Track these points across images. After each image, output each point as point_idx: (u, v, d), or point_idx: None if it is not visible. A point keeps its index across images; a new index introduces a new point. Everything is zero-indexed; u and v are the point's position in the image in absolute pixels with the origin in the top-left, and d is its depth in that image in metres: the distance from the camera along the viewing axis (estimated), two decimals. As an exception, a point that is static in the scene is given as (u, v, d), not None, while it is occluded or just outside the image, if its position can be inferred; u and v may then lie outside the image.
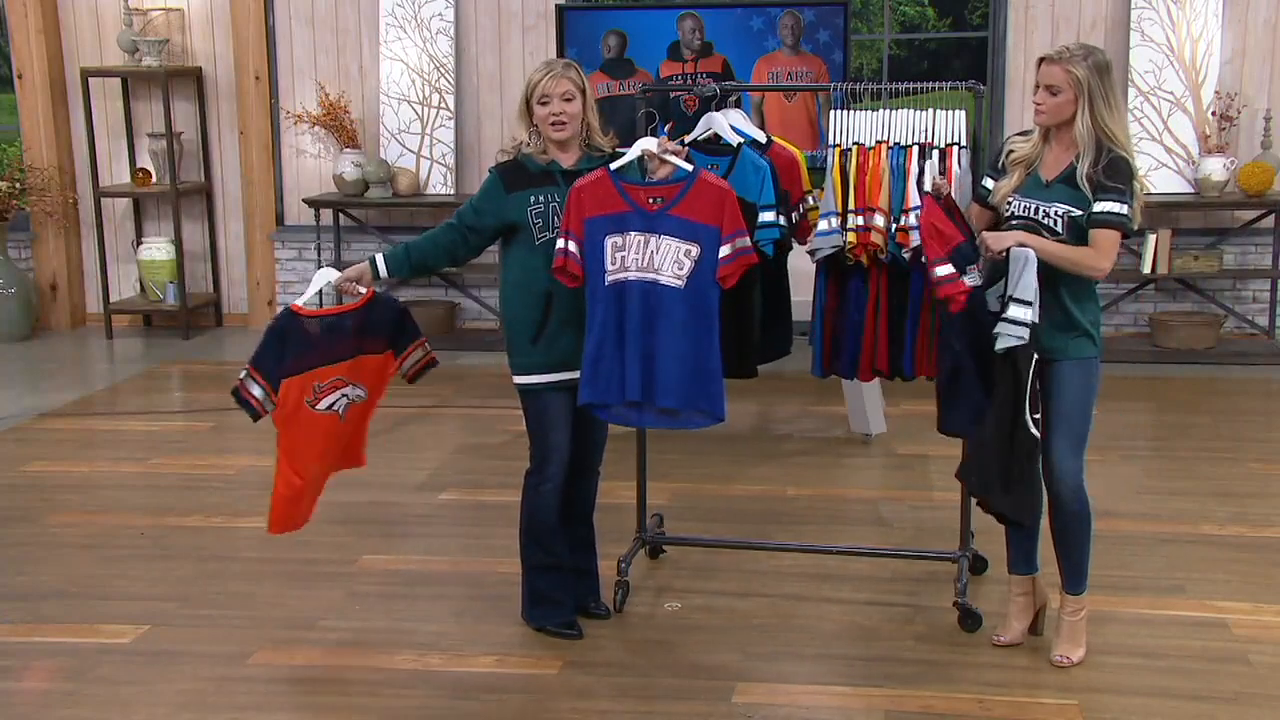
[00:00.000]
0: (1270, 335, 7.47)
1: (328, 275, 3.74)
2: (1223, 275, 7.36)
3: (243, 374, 3.60)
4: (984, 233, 3.57)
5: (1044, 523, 3.69)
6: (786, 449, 5.83)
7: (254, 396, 3.59)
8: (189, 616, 4.14)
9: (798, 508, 5.08)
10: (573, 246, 3.62)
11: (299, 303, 3.69)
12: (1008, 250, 3.47)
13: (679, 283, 3.61)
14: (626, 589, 4.13)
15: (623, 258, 3.62)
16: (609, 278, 3.63)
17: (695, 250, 3.60)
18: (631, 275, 3.63)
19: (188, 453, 5.87)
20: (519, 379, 3.81)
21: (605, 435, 3.99)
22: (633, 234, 3.61)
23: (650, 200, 3.61)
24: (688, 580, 4.35)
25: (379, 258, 3.77)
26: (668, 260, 3.61)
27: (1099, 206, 3.47)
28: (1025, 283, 3.45)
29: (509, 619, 4.03)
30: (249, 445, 5.97)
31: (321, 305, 3.66)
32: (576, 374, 3.75)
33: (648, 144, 3.69)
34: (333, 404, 3.68)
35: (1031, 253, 3.46)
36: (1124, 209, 3.46)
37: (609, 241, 3.62)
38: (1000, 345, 3.50)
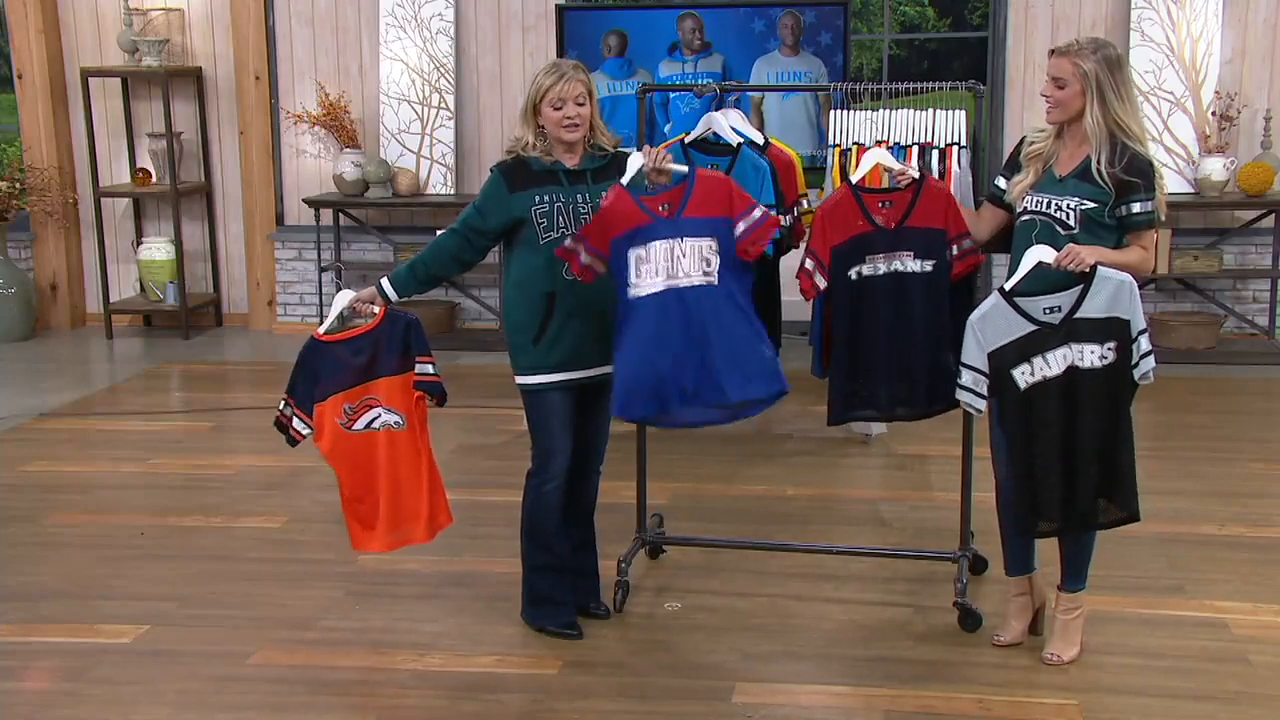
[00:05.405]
0: (1270, 335, 7.47)
1: (346, 298, 3.76)
2: (1223, 275, 7.36)
3: (280, 404, 3.71)
4: (1072, 245, 3.45)
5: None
6: (786, 449, 5.82)
7: (290, 424, 3.71)
8: (189, 616, 4.14)
9: (798, 508, 5.08)
10: (587, 259, 3.60)
11: (321, 329, 3.75)
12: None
13: (712, 280, 3.61)
14: (626, 589, 4.13)
15: (645, 270, 3.61)
16: (631, 291, 3.61)
17: (714, 244, 3.61)
18: (659, 285, 3.61)
19: (188, 453, 5.87)
20: (521, 379, 3.81)
21: (606, 437, 3.98)
22: (656, 243, 3.60)
23: (662, 208, 3.62)
24: (688, 580, 4.35)
25: (385, 282, 3.77)
26: (695, 261, 3.60)
27: (1135, 208, 3.50)
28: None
29: (509, 619, 4.03)
30: (249, 445, 5.98)
31: (342, 328, 3.71)
32: (578, 374, 3.76)
33: (639, 160, 3.69)
34: (370, 423, 3.70)
35: (1041, 252, 3.46)
36: (1151, 205, 3.51)
37: (632, 255, 3.60)
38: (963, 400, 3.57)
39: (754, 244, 3.60)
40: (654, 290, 3.60)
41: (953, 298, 3.90)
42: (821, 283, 3.78)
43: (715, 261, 3.60)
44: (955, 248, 3.75)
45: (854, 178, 3.84)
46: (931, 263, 3.76)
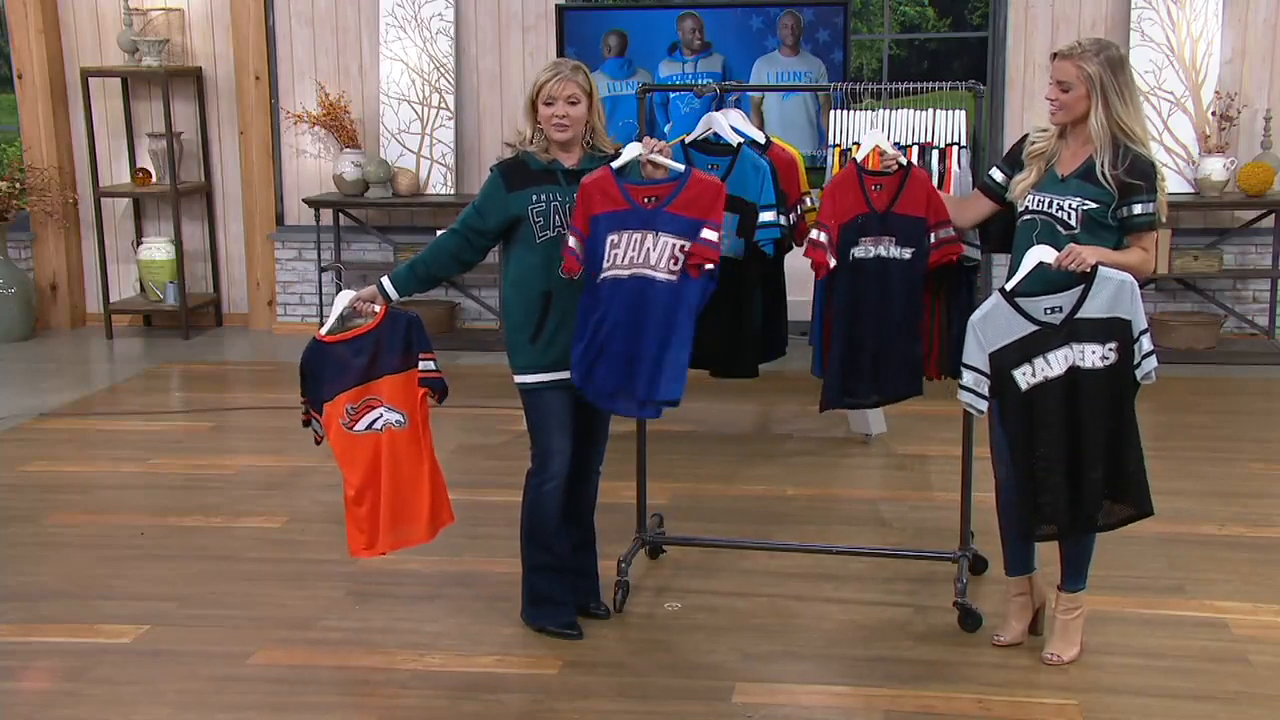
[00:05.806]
0: (1270, 335, 7.47)
1: (347, 298, 3.76)
2: (1223, 275, 7.36)
3: (301, 405, 3.76)
4: (1073, 245, 3.45)
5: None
6: (786, 449, 5.83)
7: (311, 424, 3.76)
8: (189, 616, 4.14)
9: (798, 508, 5.08)
10: (573, 241, 3.64)
11: (323, 331, 3.75)
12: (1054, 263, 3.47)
13: (672, 278, 3.63)
14: (626, 589, 4.13)
15: (616, 255, 3.64)
16: (602, 274, 3.65)
17: (688, 245, 3.62)
18: (624, 273, 3.64)
19: (188, 453, 5.87)
20: (519, 378, 3.81)
21: (606, 437, 3.99)
22: (629, 231, 3.63)
23: (646, 199, 3.64)
24: (688, 580, 4.35)
25: (386, 281, 3.77)
26: (664, 256, 3.62)
27: (1136, 209, 3.51)
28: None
29: (509, 619, 4.03)
30: (249, 445, 5.98)
31: (343, 329, 3.72)
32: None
33: (636, 148, 3.70)
34: (371, 424, 3.70)
35: (1042, 253, 3.46)
36: (1153, 208, 3.52)
37: (609, 238, 3.64)
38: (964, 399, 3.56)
39: (691, 259, 3.61)
40: (619, 276, 3.63)
41: (951, 297, 3.90)
42: (832, 261, 3.80)
43: (683, 261, 3.62)
44: (933, 235, 3.78)
45: (857, 157, 3.87)
46: (910, 250, 3.80)
